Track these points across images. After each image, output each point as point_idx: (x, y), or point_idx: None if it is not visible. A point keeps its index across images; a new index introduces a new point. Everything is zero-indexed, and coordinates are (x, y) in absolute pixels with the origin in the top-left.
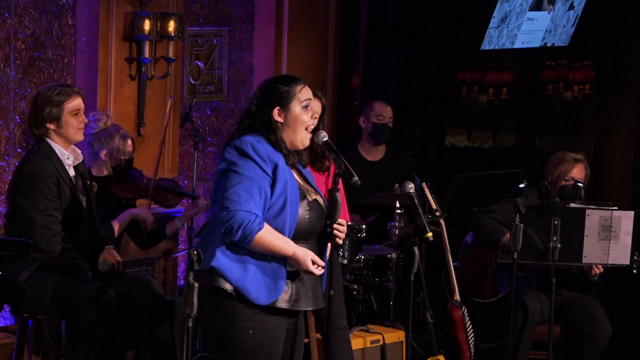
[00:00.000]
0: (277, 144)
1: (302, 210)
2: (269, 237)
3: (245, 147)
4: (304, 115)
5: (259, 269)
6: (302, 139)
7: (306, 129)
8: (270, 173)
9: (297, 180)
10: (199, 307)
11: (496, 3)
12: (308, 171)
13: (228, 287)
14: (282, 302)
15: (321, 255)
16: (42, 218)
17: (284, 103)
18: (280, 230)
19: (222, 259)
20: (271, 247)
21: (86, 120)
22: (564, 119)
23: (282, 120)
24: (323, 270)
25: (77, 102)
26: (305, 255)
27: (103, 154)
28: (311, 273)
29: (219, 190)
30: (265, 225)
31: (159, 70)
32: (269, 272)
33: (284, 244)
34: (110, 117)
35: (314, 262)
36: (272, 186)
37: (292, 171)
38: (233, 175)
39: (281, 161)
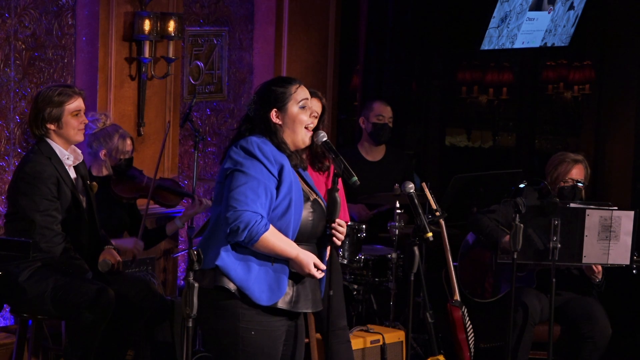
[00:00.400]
0: (280, 146)
1: (306, 212)
2: (274, 239)
3: (251, 148)
4: (301, 114)
5: (263, 269)
6: (302, 138)
7: (306, 127)
8: (276, 174)
9: (300, 182)
10: (199, 308)
11: (496, 3)
12: (308, 174)
13: (232, 286)
14: (283, 304)
15: (321, 257)
16: (42, 218)
17: (281, 104)
18: (284, 232)
19: (227, 258)
20: (275, 249)
21: (86, 121)
22: (564, 119)
23: (280, 122)
24: (324, 274)
25: (77, 103)
26: (308, 259)
27: (102, 153)
28: (312, 276)
29: (225, 189)
30: (271, 226)
31: (159, 70)
32: (272, 272)
33: (288, 247)
34: (110, 117)
35: (316, 266)
36: (278, 187)
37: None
38: (239, 175)
39: (286, 162)
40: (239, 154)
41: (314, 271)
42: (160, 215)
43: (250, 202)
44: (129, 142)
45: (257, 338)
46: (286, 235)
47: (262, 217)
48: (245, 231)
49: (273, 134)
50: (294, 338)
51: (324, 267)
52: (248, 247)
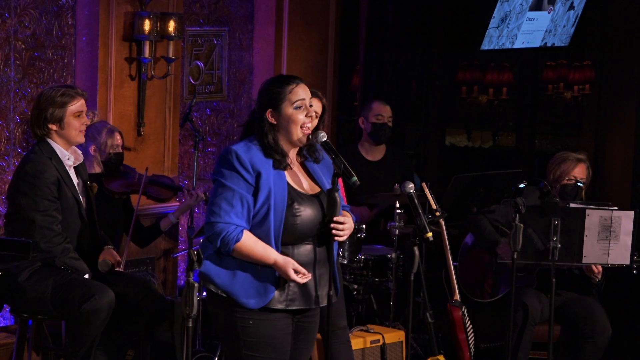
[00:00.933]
0: (270, 148)
1: (290, 216)
2: (249, 247)
3: (230, 157)
4: (296, 114)
5: (249, 274)
6: (298, 137)
7: (304, 126)
8: (253, 182)
9: (288, 184)
10: (207, 300)
11: (496, 3)
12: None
13: (219, 291)
14: (276, 303)
15: (321, 255)
16: (42, 218)
17: (275, 105)
18: (265, 237)
19: (210, 265)
20: (251, 255)
21: (88, 122)
22: (564, 119)
23: (275, 122)
24: (308, 279)
25: (80, 104)
26: (286, 265)
27: (92, 149)
28: (296, 281)
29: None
30: (246, 234)
31: (159, 70)
32: (259, 277)
33: (265, 253)
34: (97, 113)
35: (297, 271)
36: (256, 195)
37: (286, 174)
38: (218, 185)
39: (266, 169)
40: (220, 163)
41: (293, 276)
42: (159, 215)
43: (223, 214)
44: (117, 136)
45: (257, 327)
46: (267, 241)
47: (236, 226)
48: (218, 241)
49: (265, 135)
50: (297, 335)
51: (304, 271)
52: None
